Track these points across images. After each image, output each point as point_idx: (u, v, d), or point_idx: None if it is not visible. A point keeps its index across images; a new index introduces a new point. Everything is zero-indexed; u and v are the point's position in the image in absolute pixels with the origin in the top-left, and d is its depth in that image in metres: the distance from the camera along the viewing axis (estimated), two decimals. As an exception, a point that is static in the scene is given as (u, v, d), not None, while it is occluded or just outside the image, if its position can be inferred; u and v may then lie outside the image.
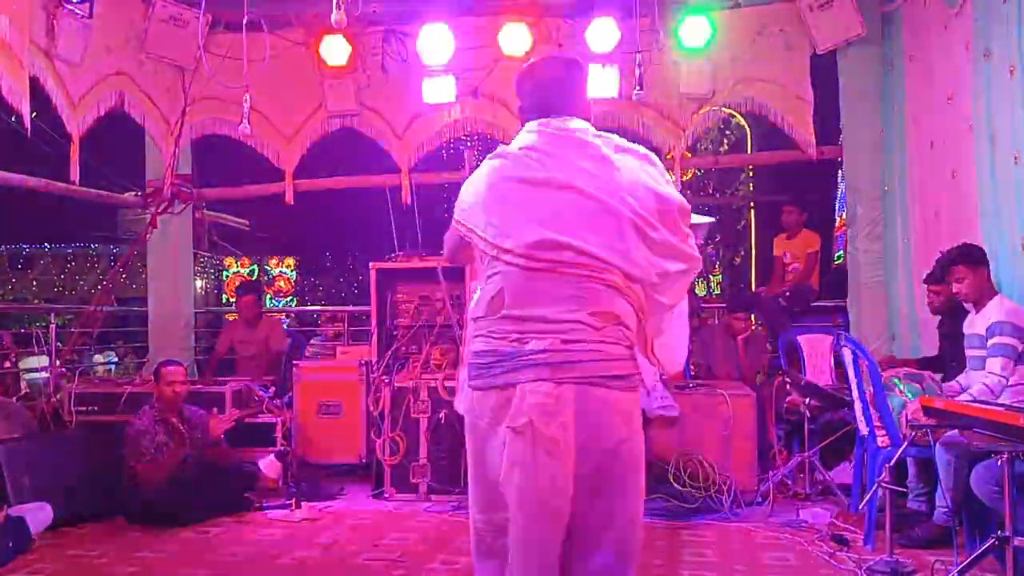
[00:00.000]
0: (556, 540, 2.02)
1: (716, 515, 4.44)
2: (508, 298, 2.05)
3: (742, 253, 12.59)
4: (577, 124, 2.19)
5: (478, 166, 2.29)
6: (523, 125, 2.25)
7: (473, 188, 2.18)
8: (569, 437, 1.99)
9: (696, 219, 2.54)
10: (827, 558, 3.71)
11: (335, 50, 6.01)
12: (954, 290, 4.06)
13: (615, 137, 2.22)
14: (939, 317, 4.67)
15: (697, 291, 13.15)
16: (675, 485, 4.59)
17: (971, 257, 3.95)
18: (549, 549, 2.02)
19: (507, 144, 2.26)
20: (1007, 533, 2.66)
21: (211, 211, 7.54)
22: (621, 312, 2.07)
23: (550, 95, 2.22)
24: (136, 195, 6.82)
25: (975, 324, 3.96)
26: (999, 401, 3.64)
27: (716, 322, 6.83)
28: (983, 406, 2.85)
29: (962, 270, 3.94)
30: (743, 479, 4.74)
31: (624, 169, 2.12)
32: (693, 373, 5.93)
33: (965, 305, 4.14)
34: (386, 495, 4.99)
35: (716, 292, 14.15)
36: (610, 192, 2.08)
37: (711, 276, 14.59)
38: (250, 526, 4.47)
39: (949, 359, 4.44)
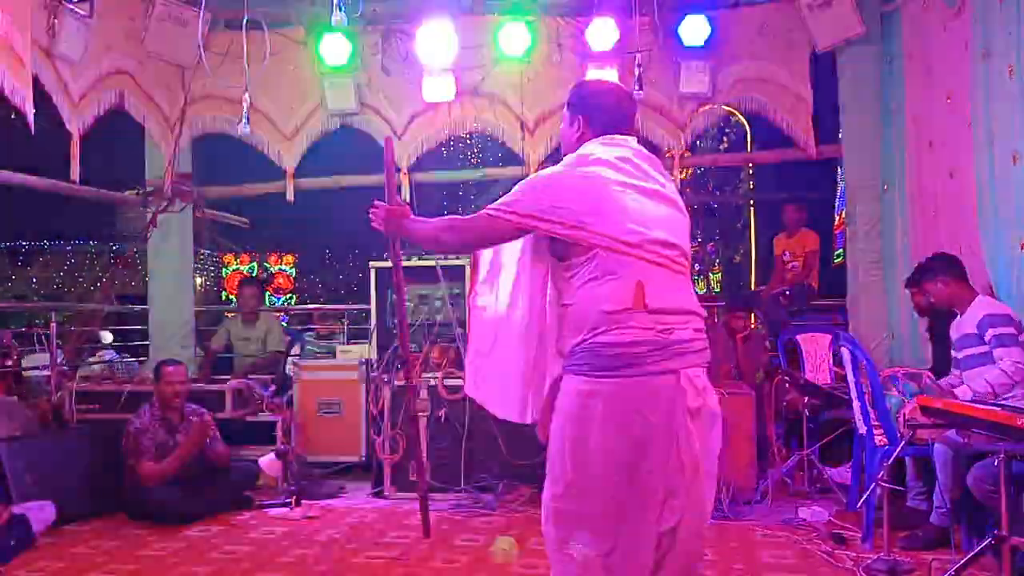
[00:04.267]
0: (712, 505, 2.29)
1: (715, 513, 4.45)
2: (649, 291, 2.17)
3: (742, 251, 12.60)
4: (639, 146, 2.39)
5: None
6: (586, 135, 2.37)
7: (580, 188, 2.24)
8: (720, 413, 2.26)
9: None
10: (826, 556, 3.73)
11: (335, 49, 6.01)
12: (932, 300, 4.10)
13: None
14: (927, 319, 4.70)
15: (697, 289, 13.19)
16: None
17: (940, 269, 3.99)
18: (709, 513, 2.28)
19: (572, 152, 2.38)
20: (1003, 532, 2.67)
21: (210, 209, 7.50)
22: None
23: (627, 114, 2.43)
24: (136, 193, 6.82)
25: (962, 326, 3.98)
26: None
27: (715, 321, 6.85)
28: (980, 406, 2.86)
29: (925, 285, 4.00)
30: (742, 478, 4.75)
31: (675, 189, 2.40)
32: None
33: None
34: (386, 494, 5.00)
35: (716, 290, 14.17)
36: (683, 207, 2.37)
37: (711, 274, 14.61)
38: (250, 524, 4.48)
39: (937, 359, 4.45)
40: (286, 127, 6.41)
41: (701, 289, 13.32)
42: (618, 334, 2.16)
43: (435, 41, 5.92)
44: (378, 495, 5.04)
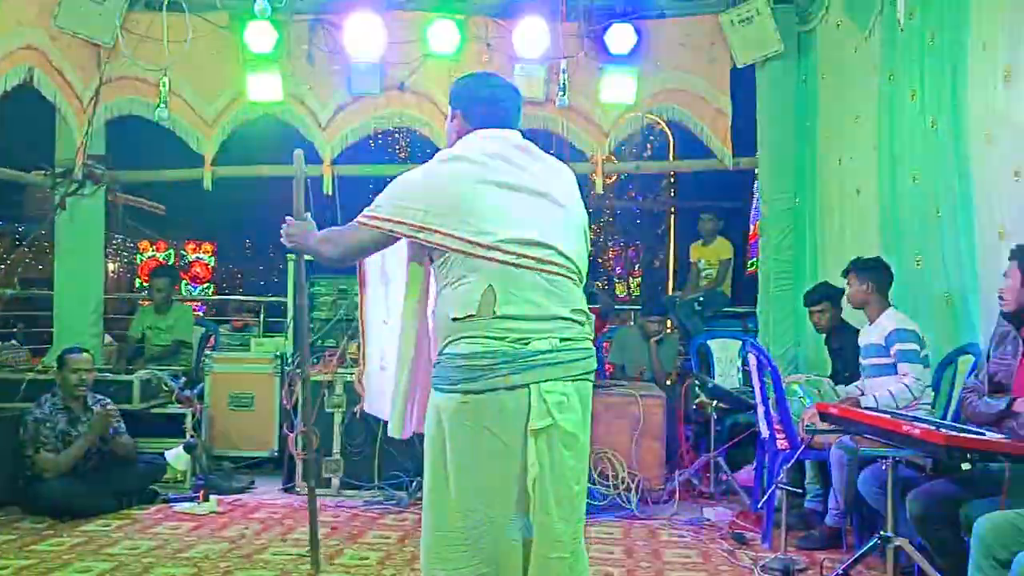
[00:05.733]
0: (572, 527, 2.12)
1: (624, 513, 4.56)
2: (500, 296, 2.05)
3: (661, 257, 12.87)
4: (521, 137, 2.30)
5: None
6: (465, 130, 2.30)
7: (434, 188, 2.15)
8: (582, 431, 2.12)
9: None
10: (726, 556, 3.85)
11: (260, 37, 5.89)
12: (846, 294, 4.28)
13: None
14: (825, 335, 4.90)
15: (618, 292, 13.39)
16: (585, 483, 4.69)
17: (859, 267, 4.16)
18: (571, 536, 2.11)
19: (449, 147, 2.30)
20: (888, 533, 2.82)
21: (126, 194, 7.27)
22: (587, 309, 2.20)
23: (509, 107, 2.33)
24: (45, 174, 6.55)
25: (870, 335, 4.16)
26: (918, 404, 3.86)
27: (632, 323, 6.99)
28: (871, 413, 3.01)
29: (851, 277, 4.15)
30: (651, 478, 4.87)
31: (568, 180, 2.30)
32: (608, 374, 6.06)
33: (850, 322, 4.37)
34: (297, 489, 4.95)
35: (635, 294, 14.42)
36: (567, 198, 2.24)
37: (631, 278, 14.87)
38: (154, 519, 4.37)
39: (840, 372, 4.65)
40: (206, 113, 6.25)
41: (621, 292, 13.55)
42: (465, 344, 2.06)
43: (363, 35, 5.87)
44: (289, 490, 4.98)
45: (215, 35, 6.08)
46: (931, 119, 4.17)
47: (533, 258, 2.08)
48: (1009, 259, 2.97)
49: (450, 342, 2.09)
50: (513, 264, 2.06)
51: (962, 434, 2.52)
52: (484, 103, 2.31)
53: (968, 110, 3.83)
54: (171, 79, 5.84)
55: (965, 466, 2.46)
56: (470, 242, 2.07)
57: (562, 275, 2.13)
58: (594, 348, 2.22)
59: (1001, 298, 3.00)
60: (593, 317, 2.24)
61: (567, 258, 2.15)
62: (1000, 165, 3.58)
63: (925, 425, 2.58)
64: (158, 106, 5.72)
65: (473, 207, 2.09)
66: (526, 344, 2.04)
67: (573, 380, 2.10)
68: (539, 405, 2.02)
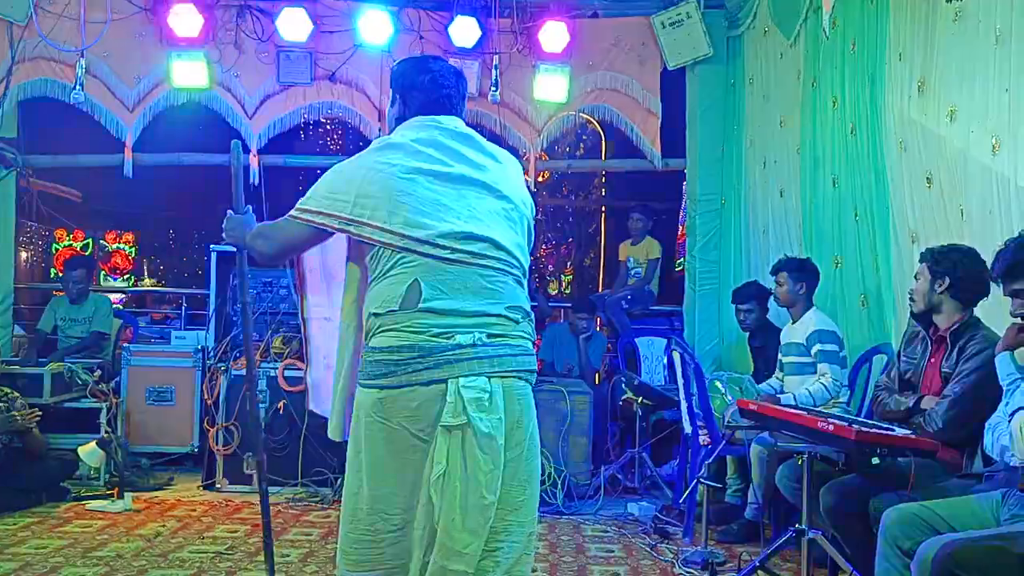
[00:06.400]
0: (481, 541, 1.94)
1: (549, 508, 4.58)
2: (425, 291, 1.95)
3: (592, 255, 12.98)
4: (466, 127, 2.20)
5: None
6: (404, 116, 2.19)
7: (362, 178, 2.02)
8: (501, 434, 1.95)
9: None
10: (648, 550, 3.91)
11: (185, 21, 5.72)
12: (773, 291, 4.38)
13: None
14: (749, 333, 5.01)
15: (550, 290, 13.46)
16: (512, 479, 4.70)
17: (794, 268, 4.27)
18: (477, 549, 1.93)
19: (388, 134, 2.20)
20: (803, 526, 2.90)
21: (41, 179, 6.96)
22: (527, 306, 2.10)
23: (451, 93, 2.20)
24: (-50, 157, 6.24)
25: (793, 333, 4.27)
26: (837, 401, 3.98)
27: (562, 321, 7.03)
28: (789, 410, 3.08)
29: (783, 276, 4.25)
30: (577, 473, 4.91)
31: (515, 173, 2.21)
32: (538, 370, 6.08)
33: (774, 321, 4.48)
34: (217, 486, 4.83)
35: (566, 291, 14.52)
36: (512, 191, 2.14)
37: (562, 276, 14.96)
38: (65, 517, 4.22)
39: (761, 371, 4.77)
40: (127, 98, 6.04)
41: (553, 290, 13.60)
42: (384, 338, 1.97)
43: (293, 23, 5.76)
44: (209, 487, 4.86)
45: (137, 17, 5.89)
46: (851, 125, 4.31)
47: (467, 252, 1.98)
48: (919, 261, 3.09)
49: (370, 336, 2.01)
50: (444, 259, 1.97)
51: (872, 430, 2.60)
52: (424, 88, 2.18)
53: (885, 118, 3.97)
54: (90, 61, 5.62)
55: (875, 461, 2.55)
56: (400, 235, 1.96)
57: (499, 270, 2.03)
58: (532, 348, 2.10)
59: (911, 299, 3.11)
60: (533, 316, 2.15)
61: (507, 252, 2.05)
62: (914, 171, 3.72)
63: (838, 422, 2.66)
64: (74, 88, 5.49)
65: (405, 198, 1.98)
66: (448, 339, 1.94)
67: (500, 377, 1.97)
68: (454, 401, 1.91)
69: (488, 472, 1.92)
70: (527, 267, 2.13)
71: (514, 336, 2.04)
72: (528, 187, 2.30)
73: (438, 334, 1.94)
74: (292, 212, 2.08)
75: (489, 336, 1.98)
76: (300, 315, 2.55)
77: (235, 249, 2.56)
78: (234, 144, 2.69)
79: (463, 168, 2.08)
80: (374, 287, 2.03)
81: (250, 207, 2.43)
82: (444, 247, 1.97)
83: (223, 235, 2.39)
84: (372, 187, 1.99)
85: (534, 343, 2.10)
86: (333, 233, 2.06)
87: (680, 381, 4.31)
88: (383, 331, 1.98)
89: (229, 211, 2.41)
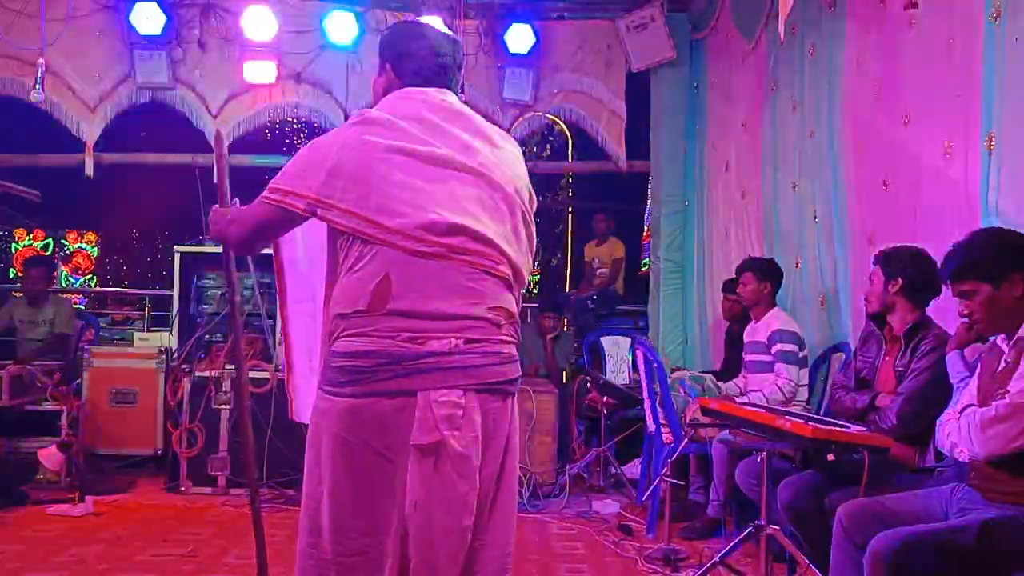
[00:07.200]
0: (459, 567, 1.77)
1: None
2: (395, 288, 1.72)
3: (559, 256, 13.05)
4: (458, 100, 1.95)
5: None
6: (392, 87, 1.94)
7: (334, 156, 1.77)
8: (477, 453, 1.74)
9: None
10: (612, 546, 3.95)
11: (148, 18, 5.68)
12: (737, 291, 4.44)
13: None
14: (729, 323, 5.08)
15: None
16: (478, 478, 4.73)
17: (759, 268, 4.34)
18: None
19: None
20: (762, 522, 2.95)
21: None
22: (513, 308, 1.87)
23: (446, 63, 1.95)
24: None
25: (756, 332, 4.35)
26: (794, 401, 4.05)
27: (529, 320, 7.07)
28: (748, 408, 3.14)
29: (748, 276, 4.32)
30: (543, 472, 4.95)
31: (512, 156, 1.95)
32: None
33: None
34: (182, 488, 4.79)
35: (534, 292, 14.57)
36: (506, 178, 1.87)
37: (530, 277, 15.04)
38: (24, 521, 4.15)
39: (731, 361, 4.84)
40: (89, 97, 5.98)
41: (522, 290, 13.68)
42: (348, 342, 1.76)
43: (258, 22, 5.74)
44: (173, 490, 4.82)
45: (99, 14, 5.84)
46: (810, 129, 4.39)
47: (445, 245, 1.74)
48: (873, 263, 3.16)
49: (335, 339, 1.79)
50: (420, 252, 1.73)
51: (827, 427, 2.67)
52: (417, 57, 1.93)
53: (843, 122, 4.06)
54: (51, 59, 5.54)
55: (830, 457, 2.61)
56: (371, 221, 1.73)
57: (484, 267, 1.79)
58: (516, 353, 1.88)
59: (866, 300, 3.19)
60: (518, 318, 1.94)
61: (495, 248, 1.80)
62: (870, 175, 3.80)
63: (795, 419, 2.72)
64: (33, 87, 5.41)
65: (380, 180, 1.74)
66: (421, 344, 1.72)
67: (477, 390, 1.75)
68: (425, 416, 1.70)
69: (464, 494, 1.73)
70: (521, 264, 1.89)
71: (496, 342, 1.81)
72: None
73: (410, 339, 1.72)
74: (264, 192, 1.86)
75: (467, 342, 1.75)
76: (280, 313, 2.33)
77: (222, 247, 2.36)
78: (217, 133, 2.56)
79: (455, 150, 1.82)
80: (341, 283, 1.81)
81: (237, 200, 2.24)
82: (421, 239, 1.73)
83: (207, 231, 2.19)
84: (344, 165, 1.75)
85: (519, 346, 1.89)
86: (307, 217, 1.81)
87: (643, 380, 4.36)
88: (348, 334, 1.77)
89: (215, 207, 2.18)
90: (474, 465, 1.74)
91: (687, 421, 3.97)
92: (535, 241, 1.99)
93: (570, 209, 12.49)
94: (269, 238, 2.04)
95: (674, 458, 3.92)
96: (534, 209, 1.97)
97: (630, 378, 5.75)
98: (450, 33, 2.04)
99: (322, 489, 1.80)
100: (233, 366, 4.84)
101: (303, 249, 2.19)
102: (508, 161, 1.92)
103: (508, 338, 1.84)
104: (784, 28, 3.64)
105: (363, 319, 1.74)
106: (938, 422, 2.50)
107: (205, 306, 5.25)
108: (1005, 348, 2.33)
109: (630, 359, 5.79)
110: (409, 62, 1.94)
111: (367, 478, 1.75)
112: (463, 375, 1.73)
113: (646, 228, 9.51)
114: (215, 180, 2.37)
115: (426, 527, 1.72)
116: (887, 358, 3.15)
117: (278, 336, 4.28)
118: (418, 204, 1.74)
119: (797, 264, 4.56)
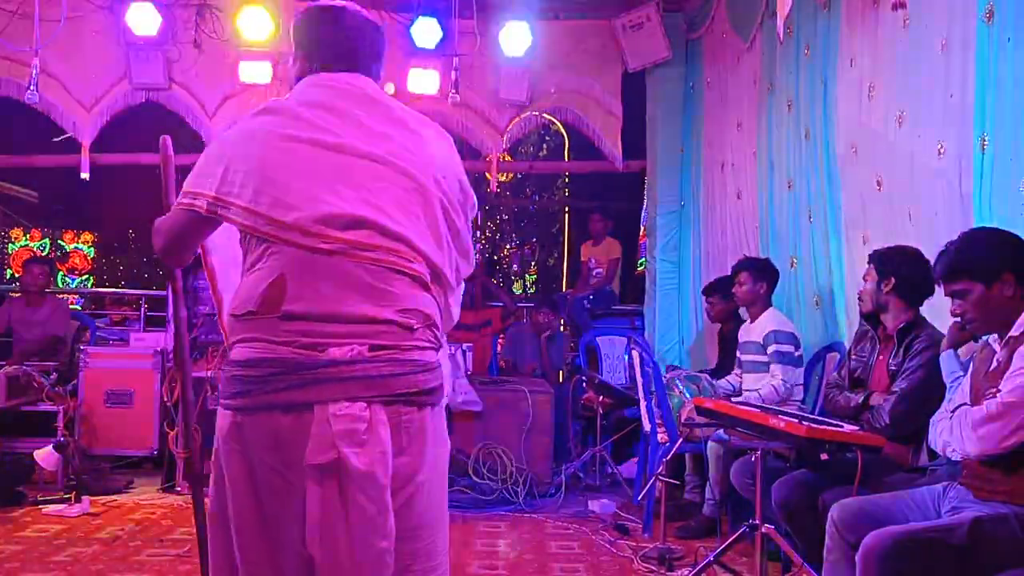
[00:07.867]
0: None
1: (511, 506, 4.62)
2: (292, 289, 1.59)
3: (556, 255, 13.06)
4: (374, 86, 1.81)
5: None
6: (304, 75, 1.82)
7: (231, 150, 1.67)
8: (385, 471, 1.56)
9: None
10: (608, 545, 3.96)
11: (143, 19, 5.66)
12: (733, 291, 4.45)
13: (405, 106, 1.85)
14: (719, 324, 5.09)
15: (515, 289, 13.49)
16: (474, 477, 4.75)
17: (755, 268, 4.35)
18: None
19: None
20: (756, 521, 2.97)
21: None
22: (431, 311, 1.70)
23: (357, 46, 1.82)
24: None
25: (751, 332, 4.36)
26: (789, 400, 4.06)
27: (526, 320, 7.08)
28: (743, 407, 3.15)
29: (744, 276, 4.34)
30: (539, 472, 4.95)
31: (431, 143, 1.78)
32: (501, 369, 6.14)
33: (741, 314, 4.57)
34: (178, 488, 4.80)
35: (531, 291, 14.58)
36: (421, 167, 1.71)
37: (527, 276, 15.01)
38: (21, 522, 4.15)
39: (725, 360, 4.85)
40: (84, 97, 5.97)
41: (518, 290, 13.64)
42: (242, 348, 1.62)
43: (253, 23, 5.73)
44: (169, 490, 4.83)
45: (94, 15, 5.83)
46: (805, 129, 4.40)
47: (347, 241, 1.59)
48: (868, 263, 3.17)
49: (231, 345, 1.66)
50: (318, 249, 1.59)
51: (821, 426, 2.68)
52: (326, 43, 1.81)
53: (837, 122, 4.07)
54: (46, 60, 5.54)
55: (824, 456, 2.62)
56: (268, 219, 1.60)
57: (394, 265, 1.63)
58: (434, 360, 1.70)
59: (860, 299, 3.20)
60: (439, 320, 1.74)
61: (406, 244, 1.64)
62: (865, 175, 3.81)
63: (789, 418, 2.73)
64: (29, 87, 5.42)
65: (275, 170, 1.61)
66: (320, 351, 1.57)
67: (384, 402, 1.58)
68: (321, 432, 1.53)
69: (372, 517, 1.54)
70: (441, 261, 1.72)
71: (408, 348, 1.63)
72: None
73: (309, 345, 1.57)
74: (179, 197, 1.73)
75: (373, 349, 1.58)
76: (219, 322, 2.11)
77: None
78: (163, 139, 2.46)
79: (361, 138, 1.68)
80: (240, 284, 1.68)
81: None
82: (319, 234, 1.59)
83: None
84: (241, 161, 1.64)
85: (438, 350, 1.72)
86: (217, 218, 1.68)
87: (639, 380, 4.37)
88: (243, 340, 1.62)
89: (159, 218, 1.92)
90: (382, 484, 1.55)
91: (683, 421, 3.98)
92: (468, 234, 1.83)
93: (566, 209, 12.49)
94: (190, 246, 1.85)
95: (669, 458, 3.93)
96: (471, 200, 1.83)
97: (626, 378, 5.76)
98: (370, 18, 1.89)
99: (220, 499, 1.67)
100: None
101: (232, 251, 1.98)
102: (426, 149, 1.75)
103: (425, 344, 1.67)
104: (782, 28, 3.65)
105: (257, 322, 1.61)
106: (931, 421, 2.52)
107: (201, 307, 5.24)
108: (997, 348, 2.35)
109: (626, 359, 5.81)
110: (318, 49, 1.82)
111: (268, 501, 1.60)
112: (366, 386, 1.56)
113: (642, 228, 9.52)
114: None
115: (331, 554, 1.54)
116: (881, 357, 3.16)
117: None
118: (315, 195, 1.61)
119: (792, 264, 4.57)
